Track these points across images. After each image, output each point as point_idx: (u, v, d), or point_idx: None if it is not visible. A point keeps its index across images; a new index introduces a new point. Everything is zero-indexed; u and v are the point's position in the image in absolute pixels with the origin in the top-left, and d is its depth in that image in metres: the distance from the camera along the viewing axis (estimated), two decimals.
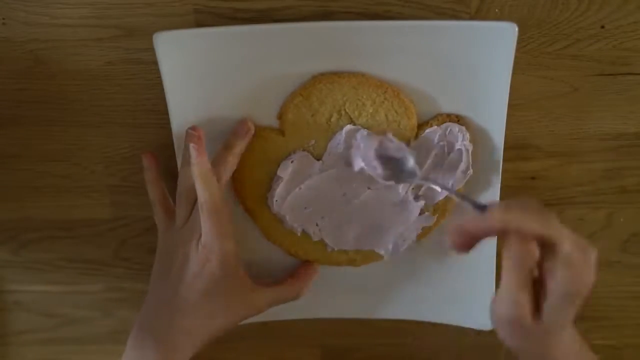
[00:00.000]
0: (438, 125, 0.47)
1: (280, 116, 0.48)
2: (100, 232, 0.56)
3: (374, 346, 0.61)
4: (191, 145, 0.45)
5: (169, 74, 0.46)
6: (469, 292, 0.52)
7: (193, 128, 0.46)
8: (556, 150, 0.52)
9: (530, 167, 0.53)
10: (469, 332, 0.53)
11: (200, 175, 0.45)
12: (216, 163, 0.47)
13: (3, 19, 0.48)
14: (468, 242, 0.38)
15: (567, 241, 0.37)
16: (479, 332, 0.53)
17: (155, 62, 0.46)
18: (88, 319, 0.60)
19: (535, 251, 0.37)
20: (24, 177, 0.54)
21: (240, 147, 0.47)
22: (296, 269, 0.52)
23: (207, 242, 0.45)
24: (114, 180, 0.54)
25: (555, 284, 0.37)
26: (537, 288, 0.38)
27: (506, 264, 0.37)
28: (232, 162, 0.47)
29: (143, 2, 0.47)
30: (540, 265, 0.38)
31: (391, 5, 0.47)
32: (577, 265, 0.37)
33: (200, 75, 0.46)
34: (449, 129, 0.47)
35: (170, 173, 0.50)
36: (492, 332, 0.53)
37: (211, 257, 0.45)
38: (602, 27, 0.47)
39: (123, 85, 0.50)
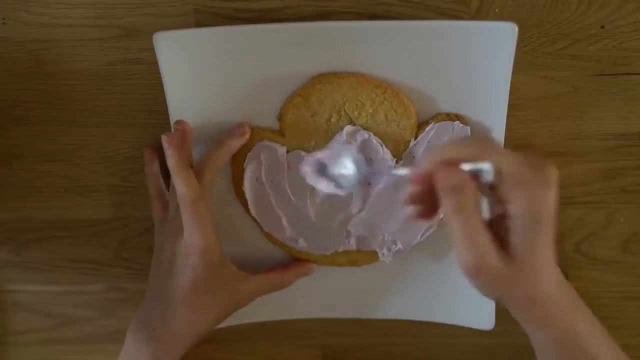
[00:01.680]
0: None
1: (280, 117, 0.48)
2: (100, 232, 0.56)
3: (374, 346, 0.61)
4: (162, 137, 0.44)
5: (169, 74, 0.46)
6: (468, 292, 0.52)
7: (177, 122, 0.46)
8: (556, 150, 0.52)
9: None
10: (469, 332, 0.53)
11: (175, 167, 0.44)
12: (203, 158, 0.47)
13: (3, 19, 0.48)
14: (422, 201, 0.37)
15: (509, 161, 0.36)
16: (479, 332, 0.53)
17: (155, 62, 0.46)
18: (88, 319, 0.60)
19: (464, 176, 0.35)
20: (24, 177, 0.54)
21: (229, 146, 0.47)
22: (291, 261, 0.52)
23: (187, 236, 0.45)
24: (114, 180, 0.54)
25: (513, 210, 0.36)
26: (501, 231, 0.37)
27: (447, 211, 0.36)
28: (218, 159, 0.47)
29: (143, 2, 0.47)
30: (499, 202, 0.37)
31: (391, 5, 0.47)
32: (528, 182, 0.36)
33: (200, 75, 0.46)
34: (449, 128, 0.47)
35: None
36: (492, 332, 0.53)
37: (192, 251, 0.45)
38: (602, 27, 0.47)
39: (123, 85, 0.50)
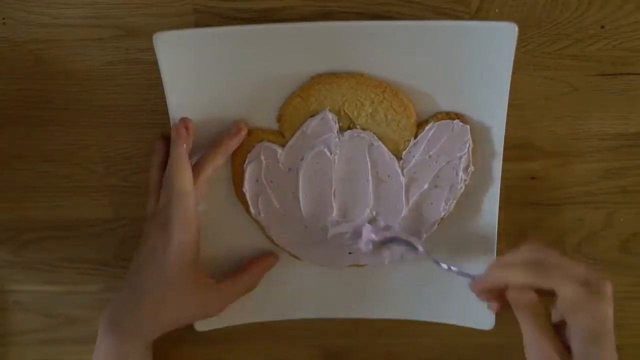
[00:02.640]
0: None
1: (279, 118, 0.48)
2: (100, 232, 0.56)
3: (374, 346, 0.61)
4: (173, 125, 0.46)
5: (169, 74, 0.46)
6: (469, 292, 0.52)
7: (182, 120, 0.46)
8: (556, 150, 0.52)
9: (530, 167, 0.53)
10: (469, 332, 0.53)
11: (176, 157, 0.45)
12: (201, 158, 0.47)
13: (3, 18, 0.48)
14: (494, 297, 0.42)
15: (563, 286, 0.38)
16: (479, 332, 0.53)
17: (155, 62, 0.46)
18: (88, 319, 0.60)
19: (533, 295, 0.39)
20: (24, 177, 0.54)
21: (227, 146, 0.47)
22: (252, 260, 0.51)
23: (169, 229, 0.45)
24: (114, 180, 0.54)
25: (570, 330, 0.38)
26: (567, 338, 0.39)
27: (518, 319, 0.40)
28: (215, 158, 0.47)
29: (143, 2, 0.47)
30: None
31: (391, 5, 0.47)
32: (584, 305, 0.38)
33: (200, 75, 0.46)
34: (449, 127, 0.47)
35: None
36: (492, 332, 0.53)
37: (170, 244, 0.45)
38: (602, 27, 0.47)
39: (123, 85, 0.50)
